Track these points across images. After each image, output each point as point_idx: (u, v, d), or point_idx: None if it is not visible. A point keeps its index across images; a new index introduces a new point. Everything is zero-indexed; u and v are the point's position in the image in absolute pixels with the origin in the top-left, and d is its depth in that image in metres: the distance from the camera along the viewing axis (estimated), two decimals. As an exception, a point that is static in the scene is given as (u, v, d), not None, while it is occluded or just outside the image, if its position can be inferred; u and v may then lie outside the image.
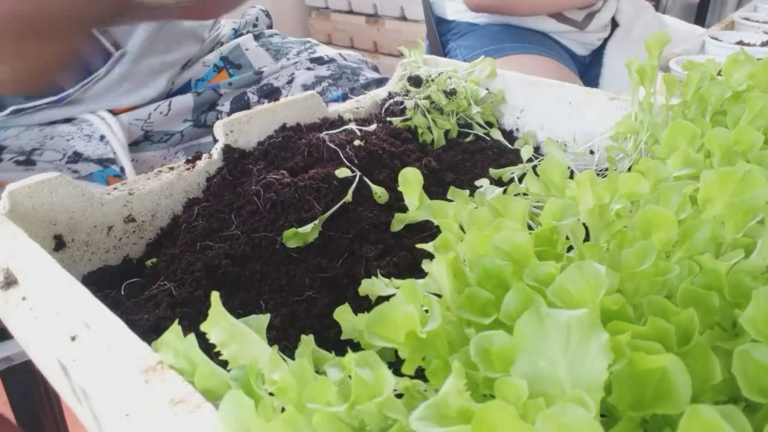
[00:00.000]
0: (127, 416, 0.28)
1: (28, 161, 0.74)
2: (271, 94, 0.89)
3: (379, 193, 0.52)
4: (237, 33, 0.98)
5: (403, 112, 0.70)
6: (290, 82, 0.90)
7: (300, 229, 0.49)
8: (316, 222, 0.49)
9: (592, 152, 0.65)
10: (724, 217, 0.32)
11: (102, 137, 0.77)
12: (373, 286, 0.43)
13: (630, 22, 1.53)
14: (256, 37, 0.97)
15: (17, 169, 0.73)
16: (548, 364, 0.22)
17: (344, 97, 0.86)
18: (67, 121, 0.78)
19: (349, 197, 0.51)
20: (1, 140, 0.74)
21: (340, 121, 0.65)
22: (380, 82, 0.91)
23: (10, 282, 0.40)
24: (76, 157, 0.77)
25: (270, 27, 1.03)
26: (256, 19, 1.01)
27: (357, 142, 0.56)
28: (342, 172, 0.51)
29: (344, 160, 0.54)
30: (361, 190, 0.53)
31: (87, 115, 0.77)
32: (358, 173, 0.53)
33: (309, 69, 0.92)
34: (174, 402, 0.26)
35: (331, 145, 0.55)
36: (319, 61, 0.93)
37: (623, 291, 0.30)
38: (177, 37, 0.84)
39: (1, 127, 0.75)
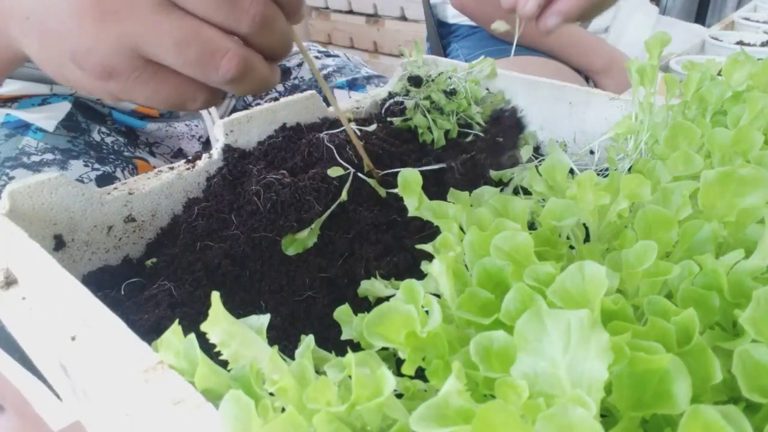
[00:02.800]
0: (127, 416, 0.28)
1: (150, 152, 0.83)
2: (284, 73, 0.97)
3: (375, 186, 0.52)
4: None
5: (403, 112, 0.70)
6: (300, 65, 0.98)
7: (297, 235, 0.48)
8: (313, 226, 0.49)
9: (592, 152, 0.65)
10: (724, 217, 0.32)
11: (200, 138, 0.87)
12: (372, 287, 0.43)
13: (624, 22, 1.53)
14: None
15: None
16: (548, 364, 0.22)
17: (349, 84, 0.91)
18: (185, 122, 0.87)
19: (344, 196, 0.51)
20: (138, 129, 0.84)
21: (340, 122, 0.65)
22: (381, 77, 0.99)
23: (10, 282, 0.40)
24: (178, 153, 0.86)
25: None
26: None
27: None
28: (334, 171, 0.51)
29: (340, 160, 0.54)
30: (361, 190, 0.53)
31: None
32: (352, 170, 0.53)
33: (317, 57, 1.00)
34: (174, 402, 0.26)
35: (331, 146, 0.55)
36: (325, 53, 1.03)
37: (623, 291, 0.30)
38: None
39: (141, 122, 0.85)
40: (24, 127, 0.72)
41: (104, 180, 0.70)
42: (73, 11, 0.37)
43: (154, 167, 0.78)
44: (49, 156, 0.70)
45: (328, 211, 0.50)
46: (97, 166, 0.71)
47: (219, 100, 0.43)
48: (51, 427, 0.56)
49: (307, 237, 0.48)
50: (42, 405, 0.56)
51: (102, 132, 0.77)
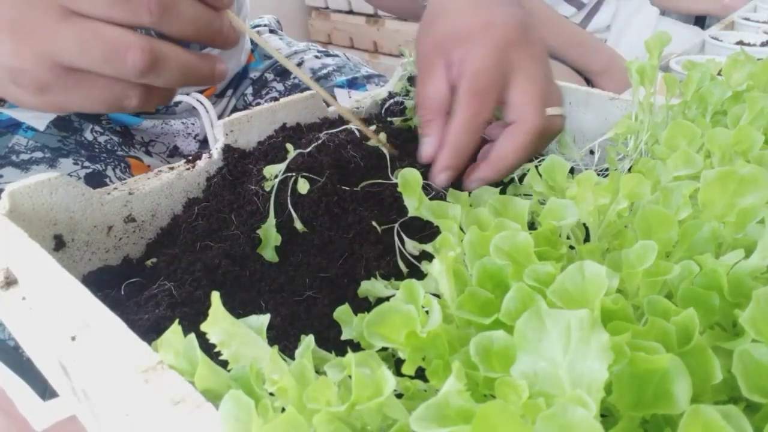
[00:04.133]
0: (127, 416, 0.28)
1: (146, 151, 0.82)
2: (283, 73, 0.98)
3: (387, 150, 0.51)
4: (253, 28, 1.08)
5: (403, 112, 0.70)
6: (300, 64, 0.98)
7: (263, 239, 0.48)
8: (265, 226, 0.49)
9: (592, 152, 0.65)
10: (724, 217, 0.32)
11: (196, 136, 0.86)
12: (372, 287, 0.43)
13: (625, 23, 1.53)
14: (271, 32, 1.08)
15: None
16: (548, 364, 0.22)
17: (349, 83, 0.91)
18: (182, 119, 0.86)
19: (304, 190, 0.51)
20: (134, 127, 0.83)
21: (340, 121, 0.65)
22: (381, 76, 0.99)
23: (10, 282, 0.40)
24: (174, 151, 0.86)
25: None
26: (268, 23, 1.12)
27: (381, 136, 0.56)
28: (303, 187, 0.50)
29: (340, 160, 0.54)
30: (362, 191, 0.53)
31: (182, 96, 0.83)
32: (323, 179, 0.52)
33: (317, 57, 1.01)
34: (174, 402, 0.26)
35: (330, 145, 0.55)
36: (325, 53, 1.03)
37: (623, 291, 0.30)
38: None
39: (137, 118, 0.83)
40: (15, 126, 0.71)
41: (94, 178, 0.69)
42: None
43: (149, 166, 0.78)
44: (38, 154, 0.69)
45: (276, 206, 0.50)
46: (87, 164, 0.71)
47: (162, 98, 0.45)
48: (34, 428, 0.56)
49: (271, 239, 0.49)
50: (24, 405, 0.56)
51: (95, 131, 0.77)
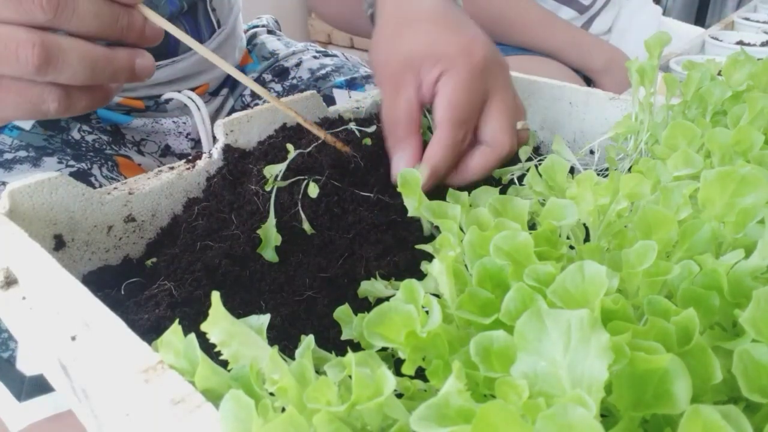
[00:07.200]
0: (127, 416, 0.28)
1: (138, 150, 0.81)
2: (282, 73, 0.97)
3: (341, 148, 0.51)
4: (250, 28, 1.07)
5: (403, 112, 0.70)
6: (298, 65, 0.98)
7: (264, 239, 0.48)
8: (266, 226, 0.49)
9: (592, 152, 0.65)
10: (724, 217, 0.32)
11: (188, 135, 0.85)
12: (372, 287, 0.43)
13: (627, 24, 1.54)
14: (269, 33, 1.07)
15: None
16: (548, 364, 0.22)
17: (348, 83, 0.91)
18: (172, 118, 0.85)
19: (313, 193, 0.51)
20: (124, 126, 0.82)
21: (340, 121, 0.65)
22: None
23: (10, 282, 0.40)
24: (166, 150, 0.85)
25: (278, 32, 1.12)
26: (266, 23, 1.11)
27: (366, 141, 0.56)
28: (313, 191, 0.50)
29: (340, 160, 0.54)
30: (362, 191, 0.53)
31: (173, 94, 0.82)
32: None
33: (315, 57, 1.00)
34: (174, 402, 0.26)
35: (331, 145, 0.55)
36: (323, 53, 1.03)
37: (623, 291, 0.30)
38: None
39: (127, 117, 0.82)
40: None
41: (78, 177, 0.68)
42: None
43: (140, 165, 0.77)
44: (22, 153, 0.69)
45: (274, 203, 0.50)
46: (72, 162, 0.70)
47: (90, 101, 0.44)
48: (9, 429, 0.56)
49: (271, 239, 0.49)
50: (0, 406, 0.56)
51: (83, 130, 0.76)
